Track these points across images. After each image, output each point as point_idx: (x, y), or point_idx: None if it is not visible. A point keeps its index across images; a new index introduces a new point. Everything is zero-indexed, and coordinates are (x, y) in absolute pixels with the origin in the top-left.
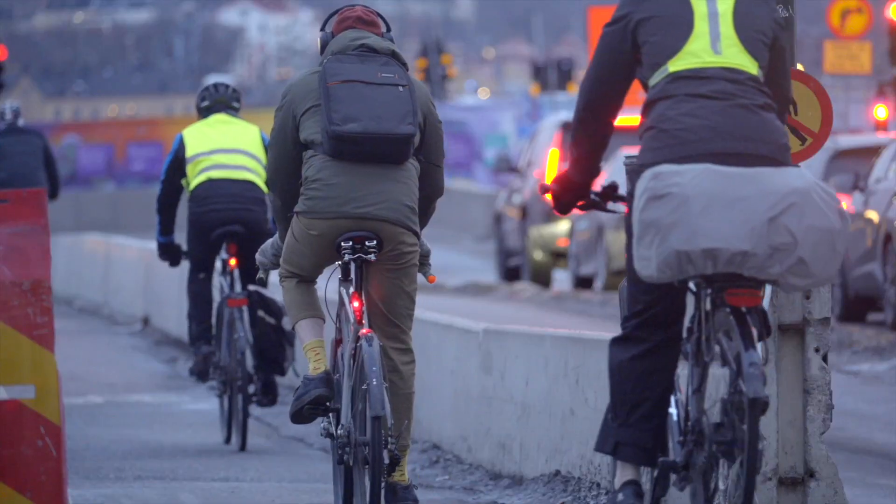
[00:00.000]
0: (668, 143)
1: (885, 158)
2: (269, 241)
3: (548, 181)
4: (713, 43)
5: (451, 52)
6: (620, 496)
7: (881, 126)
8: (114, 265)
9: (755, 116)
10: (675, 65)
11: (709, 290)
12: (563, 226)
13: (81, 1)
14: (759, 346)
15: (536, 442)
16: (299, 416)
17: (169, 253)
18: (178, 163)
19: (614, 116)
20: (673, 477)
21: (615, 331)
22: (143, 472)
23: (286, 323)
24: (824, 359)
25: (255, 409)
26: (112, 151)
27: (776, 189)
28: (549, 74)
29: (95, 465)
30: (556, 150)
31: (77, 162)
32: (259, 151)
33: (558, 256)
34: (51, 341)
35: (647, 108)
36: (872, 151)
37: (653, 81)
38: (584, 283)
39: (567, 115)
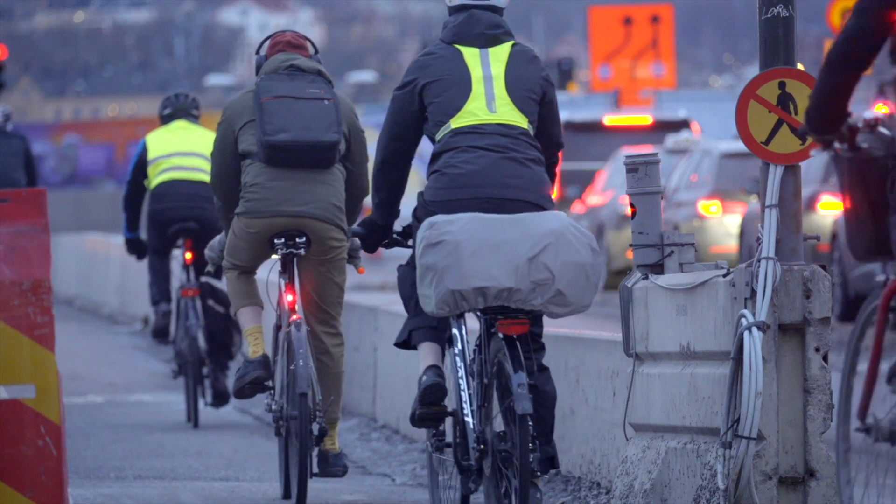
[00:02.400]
0: (449, 185)
1: None
2: (217, 237)
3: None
4: (489, 103)
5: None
6: (425, 377)
7: None
8: (114, 265)
9: (525, 168)
10: (457, 122)
11: (484, 320)
12: None
13: (81, 1)
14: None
15: None
16: (241, 394)
17: (135, 247)
18: (141, 165)
19: (409, 165)
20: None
21: (616, 330)
22: (143, 471)
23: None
24: (824, 358)
25: (254, 409)
26: (112, 151)
27: (535, 232)
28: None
29: (95, 465)
30: None
31: (77, 161)
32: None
33: None
34: (51, 341)
35: (434, 158)
36: None
37: (438, 136)
38: None
39: (567, 114)
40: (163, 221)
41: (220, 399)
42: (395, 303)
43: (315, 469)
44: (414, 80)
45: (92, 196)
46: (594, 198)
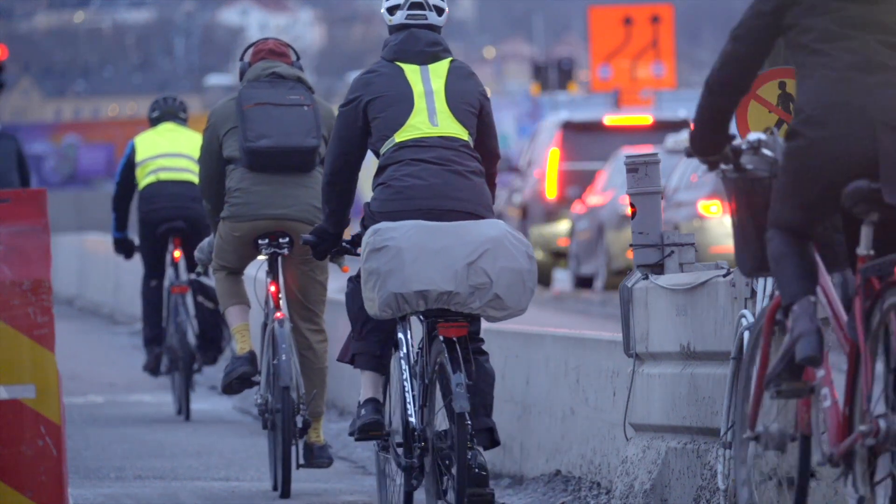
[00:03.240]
0: (394, 197)
1: None
2: (206, 240)
3: (548, 182)
4: (431, 117)
5: (451, 51)
6: (363, 411)
7: None
8: (114, 265)
9: (466, 181)
10: (401, 136)
11: (425, 323)
12: (563, 225)
13: (81, 1)
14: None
15: (537, 442)
16: (229, 389)
17: (123, 246)
18: (129, 166)
19: (356, 178)
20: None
21: (616, 330)
22: (144, 471)
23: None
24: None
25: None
26: (112, 151)
27: (474, 238)
28: (550, 74)
29: (95, 465)
30: (556, 149)
31: (77, 162)
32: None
33: (558, 256)
34: (51, 341)
35: (379, 171)
36: None
37: (383, 150)
38: (584, 282)
39: (567, 114)
40: (152, 222)
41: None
42: None
43: (301, 461)
44: (358, 97)
45: (92, 196)
46: (594, 198)
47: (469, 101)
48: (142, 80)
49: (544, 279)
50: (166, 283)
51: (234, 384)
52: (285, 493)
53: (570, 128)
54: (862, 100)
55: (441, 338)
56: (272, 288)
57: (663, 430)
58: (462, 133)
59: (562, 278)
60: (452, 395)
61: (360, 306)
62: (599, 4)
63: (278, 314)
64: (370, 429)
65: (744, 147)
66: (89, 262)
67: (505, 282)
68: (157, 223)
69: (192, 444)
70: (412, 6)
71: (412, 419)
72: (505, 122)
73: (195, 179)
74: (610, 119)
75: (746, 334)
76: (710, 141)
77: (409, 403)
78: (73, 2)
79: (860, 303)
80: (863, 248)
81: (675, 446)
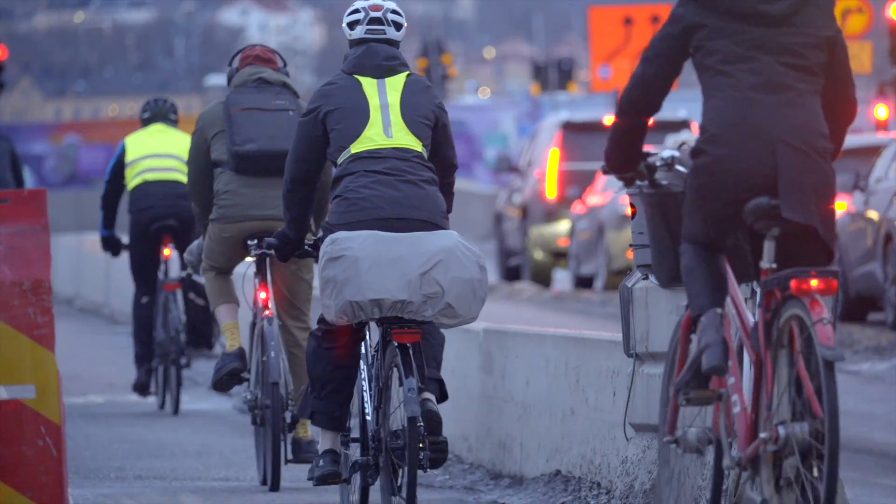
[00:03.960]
0: (350, 209)
1: (886, 158)
2: (195, 242)
3: (548, 182)
4: (385, 129)
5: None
6: (321, 462)
7: (881, 126)
8: (114, 265)
9: (420, 190)
10: (356, 147)
11: (380, 329)
12: (563, 226)
13: (82, 1)
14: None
15: (537, 442)
16: (219, 385)
17: (111, 244)
18: (119, 166)
19: (315, 185)
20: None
21: (616, 330)
22: (144, 471)
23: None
24: None
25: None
26: (112, 151)
27: (427, 249)
28: (550, 74)
29: (96, 465)
30: (556, 149)
31: (77, 162)
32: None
33: (559, 256)
34: (51, 341)
35: (336, 182)
36: (873, 151)
37: (339, 160)
38: (584, 282)
39: (567, 114)
40: (144, 221)
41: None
42: None
43: (290, 456)
44: (317, 107)
45: (92, 196)
46: (594, 198)
47: (424, 114)
48: (142, 80)
49: (544, 279)
50: (159, 276)
51: (224, 380)
52: (275, 487)
53: (570, 128)
54: (763, 119)
55: (395, 343)
56: (263, 294)
57: None
58: (416, 145)
59: (562, 278)
60: (404, 399)
61: (322, 366)
62: (599, 4)
63: (267, 312)
64: (329, 478)
65: (658, 164)
66: (89, 262)
67: (456, 291)
68: (149, 222)
69: (192, 444)
70: (371, 21)
71: (369, 419)
72: (505, 122)
73: (184, 179)
74: (610, 119)
75: None
76: (624, 159)
77: (367, 403)
78: (73, 2)
79: (762, 314)
80: (765, 262)
81: (676, 446)
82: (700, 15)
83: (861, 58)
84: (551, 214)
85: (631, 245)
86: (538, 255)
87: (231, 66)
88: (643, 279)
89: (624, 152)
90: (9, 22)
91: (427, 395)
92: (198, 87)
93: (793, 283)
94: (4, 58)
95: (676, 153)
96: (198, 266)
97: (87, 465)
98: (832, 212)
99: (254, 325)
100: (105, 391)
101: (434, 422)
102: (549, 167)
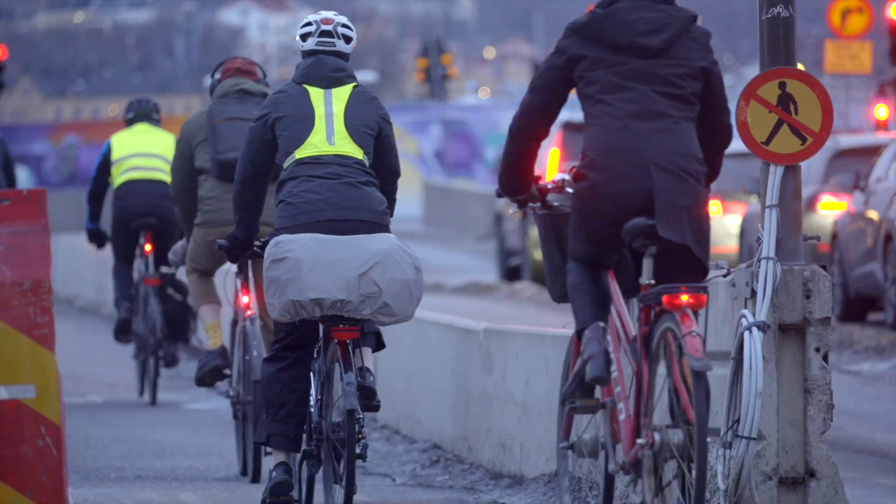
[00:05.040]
0: (293, 213)
1: (886, 158)
2: (179, 243)
3: (548, 178)
4: (328, 137)
5: (451, 51)
6: (275, 473)
7: (881, 126)
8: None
9: (358, 191)
10: (300, 153)
11: (322, 327)
12: None
13: (82, 1)
14: (368, 362)
15: (537, 441)
16: (202, 381)
17: (96, 237)
18: (105, 164)
19: (264, 188)
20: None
21: None
22: (144, 471)
23: (191, 300)
24: (825, 358)
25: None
26: None
27: (365, 251)
28: None
29: (96, 465)
30: (556, 149)
31: (77, 162)
32: (172, 155)
33: None
34: (51, 341)
35: (280, 186)
36: (873, 151)
37: (285, 165)
38: None
39: (567, 114)
40: (125, 218)
41: (172, 361)
42: None
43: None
44: (267, 114)
45: None
46: None
47: (367, 124)
48: (142, 80)
49: (545, 279)
50: (136, 275)
51: (207, 376)
52: (255, 478)
53: (570, 128)
54: (639, 145)
55: (335, 340)
56: (245, 299)
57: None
58: (357, 153)
59: None
60: (343, 392)
61: (277, 390)
62: None
63: (249, 312)
64: (281, 487)
65: (549, 186)
66: (89, 262)
67: (393, 291)
68: (130, 219)
69: (192, 444)
70: (322, 34)
71: (312, 411)
72: (505, 122)
73: (167, 178)
74: None
75: (746, 335)
76: (516, 183)
77: (311, 397)
78: (73, 2)
79: (640, 327)
80: (644, 278)
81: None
82: (582, 47)
83: (861, 58)
84: None
85: None
86: (539, 255)
87: (213, 77)
88: None
89: (517, 177)
90: (9, 22)
91: (363, 347)
92: (198, 87)
93: (665, 299)
94: (4, 58)
95: (567, 176)
96: (180, 265)
97: (87, 465)
98: (706, 230)
99: (235, 322)
100: (105, 391)
101: (368, 388)
102: (549, 167)
